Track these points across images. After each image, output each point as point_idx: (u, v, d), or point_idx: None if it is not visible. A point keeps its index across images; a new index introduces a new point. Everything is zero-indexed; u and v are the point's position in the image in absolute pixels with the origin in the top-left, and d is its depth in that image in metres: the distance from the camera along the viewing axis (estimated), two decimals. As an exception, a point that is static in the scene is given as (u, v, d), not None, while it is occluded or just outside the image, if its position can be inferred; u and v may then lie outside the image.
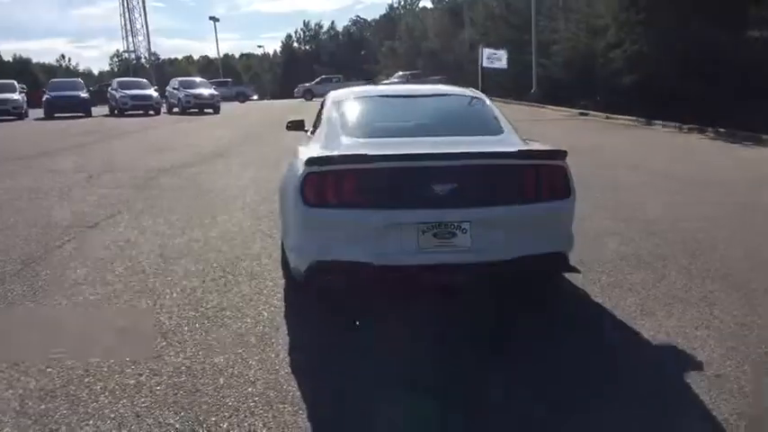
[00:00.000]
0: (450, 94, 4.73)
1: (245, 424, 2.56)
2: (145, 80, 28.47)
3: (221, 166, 10.22)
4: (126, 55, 69.55)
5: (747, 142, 12.59)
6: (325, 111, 4.38)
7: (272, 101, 49.43)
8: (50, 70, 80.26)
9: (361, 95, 4.56)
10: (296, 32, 71.73)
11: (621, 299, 3.87)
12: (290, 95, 45.03)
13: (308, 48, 70.08)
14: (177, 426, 2.55)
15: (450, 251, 3.27)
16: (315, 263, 3.35)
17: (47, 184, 8.33)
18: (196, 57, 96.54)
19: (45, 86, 27.03)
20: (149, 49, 77.15)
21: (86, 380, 2.92)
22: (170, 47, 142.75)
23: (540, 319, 3.65)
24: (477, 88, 24.16)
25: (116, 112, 23.99)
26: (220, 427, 2.55)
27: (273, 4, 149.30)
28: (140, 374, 2.97)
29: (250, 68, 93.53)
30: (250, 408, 2.69)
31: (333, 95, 4.61)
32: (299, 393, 2.81)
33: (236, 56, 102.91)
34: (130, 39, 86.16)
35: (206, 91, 25.92)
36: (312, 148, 3.83)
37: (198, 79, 29.20)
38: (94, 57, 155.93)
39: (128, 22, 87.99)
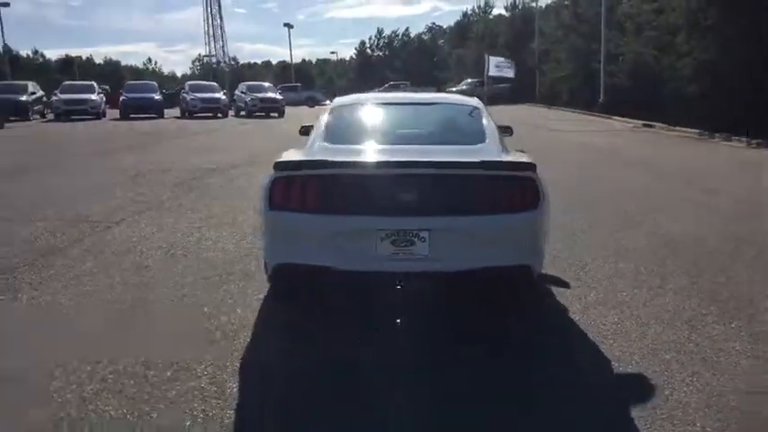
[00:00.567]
0: (444, 103, 4.73)
1: (173, 414, 2.68)
2: (215, 84, 29.67)
3: (265, 168, 10.50)
4: (206, 59, 72.65)
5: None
6: (321, 116, 4.47)
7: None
8: (137, 73, 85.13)
9: (358, 102, 4.63)
10: (370, 39, 72.76)
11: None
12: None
13: (381, 54, 70.85)
14: (111, 412, 2.70)
15: (407, 259, 3.27)
16: (278, 265, 3.45)
17: (93, 182, 8.88)
18: (275, 62, 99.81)
19: (126, 89, 28.71)
20: (228, 54, 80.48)
21: (47, 366, 3.13)
22: (251, 52, 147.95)
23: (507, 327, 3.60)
24: (536, 97, 23.91)
25: (186, 113, 25.14)
26: (151, 416, 2.67)
27: (352, 11, 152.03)
28: (98, 362, 3.14)
29: (325, 74, 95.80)
30: (186, 400, 2.80)
31: (336, 101, 4.74)
32: (236, 391, 2.89)
33: (313, 61, 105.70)
34: (212, 44, 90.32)
35: (271, 95, 26.79)
36: (292, 153, 3.93)
37: (265, 84, 30.24)
38: (180, 60, 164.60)
39: (210, 27, 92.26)
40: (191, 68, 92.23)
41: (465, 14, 63.09)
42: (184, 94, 25.97)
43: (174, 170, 9.94)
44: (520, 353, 3.33)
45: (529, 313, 3.90)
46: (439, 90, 42.68)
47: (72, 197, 7.79)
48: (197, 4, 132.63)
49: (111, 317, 3.83)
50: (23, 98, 23.28)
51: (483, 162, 3.31)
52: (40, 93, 25.65)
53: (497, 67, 15.02)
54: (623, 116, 21.48)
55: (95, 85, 26.28)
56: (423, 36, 71.86)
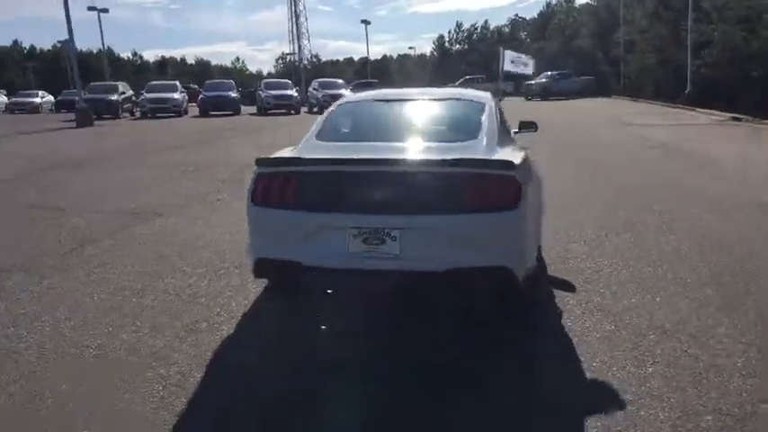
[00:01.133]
0: (448, 99, 4.60)
1: (134, 397, 2.81)
2: (289, 81, 30.47)
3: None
4: (288, 57, 74.66)
5: None
6: (324, 113, 4.49)
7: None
8: (226, 72, 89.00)
9: (360, 99, 4.62)
10: (449, 33, 72.14)
11: None
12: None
13: (459, 48, 70.07)
14: (83, 388, 2.87)
15: (378, 257, 3.22)
16: (258, 259, 3.50)
17: (150, 176, 9.37)
18: (356, 58, 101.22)
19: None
20: (310, 51, 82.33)
21: (48, 346, 3.35)
22: (334, 49, 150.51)
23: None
24: (620, 89, 22.70)
25: (262, 110, 25.99)
26: (113, 396, 2.81)
27: (434, 5, 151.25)
28: (99, 344, 3.35)
29: (404, 69, 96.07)
30: (152, 387, 2.91)
31: (343, 98, 4.74)
32: (199, 380, 2.98)
33: (394, 57, 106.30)
34: (295, 42, 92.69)
35: (342, 91, 27.16)
36: (285, 150, 3.97)
37: (338, 81, 30.71)
38: (267, 59, 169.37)
39: (293, 26, 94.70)
40: (274, 66, 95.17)
41: (548, 5, 61.23)
42: (260, 92, 26.88)
43: (227, 165, 10.31)
44: (485, 359, 3.18)
45: (515, 317, 3.73)
46: (517, 84, 41.81)
47: (126, 190, 8.28)
48: (285, 2, 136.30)
49: (114, 304, 4.03)
50: (114, 98, 24.97)
51: (456, 160, 3.20)
52: (130, 92, 27.41)
53: (513, 62, 14.25)
54: (711, 108, 20.11)
55: (178, 84, 27.80)
56: (504, 28, 70.33)
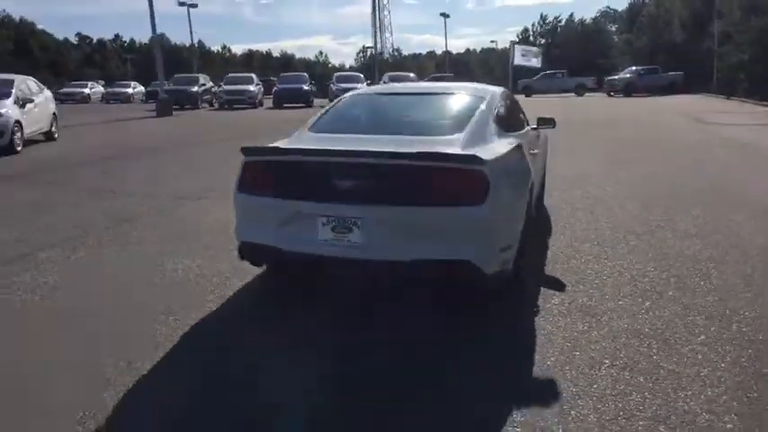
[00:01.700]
0: (448, 93, 4.62)
1: (90, 364, 3.07)
2: (360, 75, 30.89)
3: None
4: (369, 51, 75.42)
5: None
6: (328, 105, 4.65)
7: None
8: (309, 65, 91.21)
9: (363, 93, 4.74)
10: (532, 26, 70.34)
11: None
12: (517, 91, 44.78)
13: (542, 41, 68.14)
14: (57, 359, 3.17)
15: (343, 246, 3.33)
16: (242, 243, 3.71)
17: (204, 163, 9.90)
18: (439, 52, 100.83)
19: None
20: (393, 45, 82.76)
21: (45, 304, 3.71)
22: (418, 42, 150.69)
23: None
24: (713, 85, 21.44)
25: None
26: (68, 360, 3.10)
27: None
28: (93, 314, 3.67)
29: (487, 63, 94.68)
30: (112, 354, 3.17)
31: (349, 92, 4.88)
32: (159, 359, 3.21)
33: (477, 50, 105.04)
34: (378, 35, 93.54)
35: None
36: (281, 140, 4.14)
37: (410, 74, 30.88)
38: (351, 52, 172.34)
39: (377, 19, 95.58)
40: (355, 60, 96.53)
41: (640, -5, 58.23)
42: (331, 85, 27.45)
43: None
44: (440, 348, 3.22)
45: (486, 312, 3.72)
46: (599, 80, 40.16)
47: (177, 176, 8.81)
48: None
49: (126, 279, 4.37)
50: (194, 89, 26.33)
51: (420, 153, 3.24)
52: (210, 84, 28.78)
53: (523, 56, 13.77)
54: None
55: (254, 77, 28.87)
56: (593, 20, 67.60)
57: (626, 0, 54.31)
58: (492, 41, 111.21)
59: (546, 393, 2.75)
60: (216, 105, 27.53)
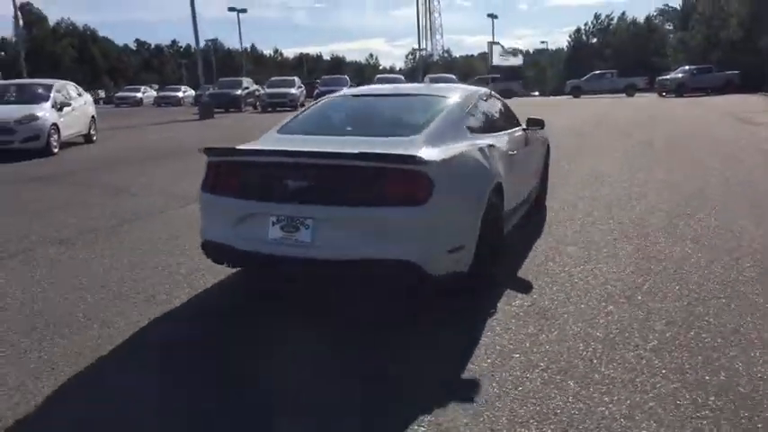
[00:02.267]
0: (418, 95, 4.64)
1: (47, 342, 3.25)
2: (401, 77, 31.02)
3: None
4: (418, 53, 75.48)
5: None
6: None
7: (543, 97, 48.69)
8: (359, 68, 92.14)
9: (340, 95, 4.81)
10: (585, 25, 68.70)
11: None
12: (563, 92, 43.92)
13: (595, 41, 66.52)
14: (19, 340, 3.37)
15: (292, 245, 3.40)
16: (204, 241, 3.83)
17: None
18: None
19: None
20: (443, 47, 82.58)
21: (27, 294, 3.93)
22: (471, 44, 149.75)
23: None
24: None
25: None
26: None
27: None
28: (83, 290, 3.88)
29: (538, 64, 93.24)
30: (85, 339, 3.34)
31: (331, 95, 4.97)
32: (119, 344, 3.36)
33: (530, 51, 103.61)
34: (428, 37, 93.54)
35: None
36: (251, 142, 4.26)
37: (451, 76, 30.75)
38: (402, 54, 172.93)
39: (427, 21, 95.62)
40: (404, 62, 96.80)
41: (696, -8, 55.99)
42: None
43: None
44: (379, 343, 3.25)
45: (443, 314, 3.70)
46: (650, 79, 38.87)
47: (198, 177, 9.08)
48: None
49: (103, 274, 4.58)
50: (238, 92, 27.06)
51: (362, 154, 3.27)
52: (254, 87, 29.50)
53: (502, 56, 13.18)
54: None
55: (296, 80, 29.43)
56: (647, 19, 65.47)
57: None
58: (542, 42, 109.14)
59: (467, 394, 2.74)
60: (259, 108, 28.18)
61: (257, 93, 29.30)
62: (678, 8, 56.03)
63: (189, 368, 3.08)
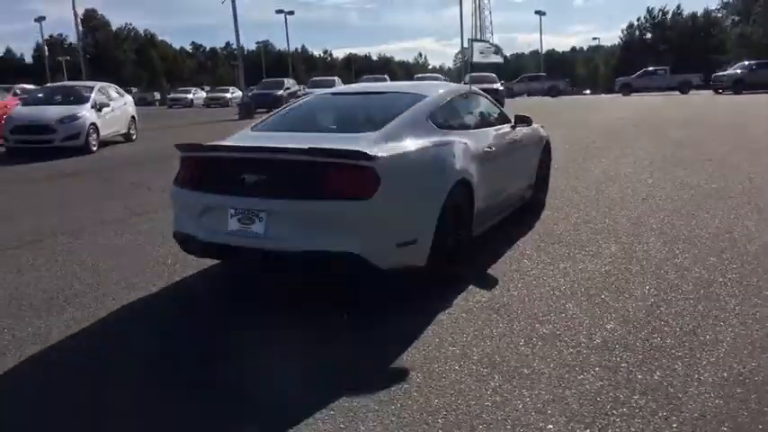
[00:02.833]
0: (390, 92, 4.72)
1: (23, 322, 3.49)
2: (440, 75, 30.95)
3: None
4: (462, 53, 74.82)
5: None
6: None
7: (592, 96, 47.58)
8: (407, 67, 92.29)
9: (319, 94, 4.94)
10: (638, 21, 66.52)
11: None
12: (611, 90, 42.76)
13: (649, 37, 64.37)
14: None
15: (247, 236, 3.52)
16: (174, 231, 4.02)
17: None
18: (543, 51, 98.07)
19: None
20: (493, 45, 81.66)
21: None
22: (525, 41, 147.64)
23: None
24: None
25: None
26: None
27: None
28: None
29: (592, 61, 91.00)
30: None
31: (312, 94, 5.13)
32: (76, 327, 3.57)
33: (585, 48, 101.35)
34: (478, 36, 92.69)
35: (488, 86, 27.01)
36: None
37: (491, 75, 30.35)
38: (453, 53, 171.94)
39: (476, 19, 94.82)
40: (453, 62, 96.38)
41: (761, -15, 53.34)
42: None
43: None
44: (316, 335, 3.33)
45: (397, 306, 3.74)
46: (708, 76, 37.31)
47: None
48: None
49: (93, 261, 4.84)
50: (279, 92, 27.65)
51: (311, 149, 3.37)
52: (296, 87, 30.07)
53: (482, 53, 12.42)
54: None
55: (337, 80, 29.91)
56: (705, 13, 62.85)
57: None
58: (594, 38, 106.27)
59: (388, 384, 2.79)
60: (301, 108, 28.72)
61: (299, 93, 29.81)
62: (739, 0, 53.68)
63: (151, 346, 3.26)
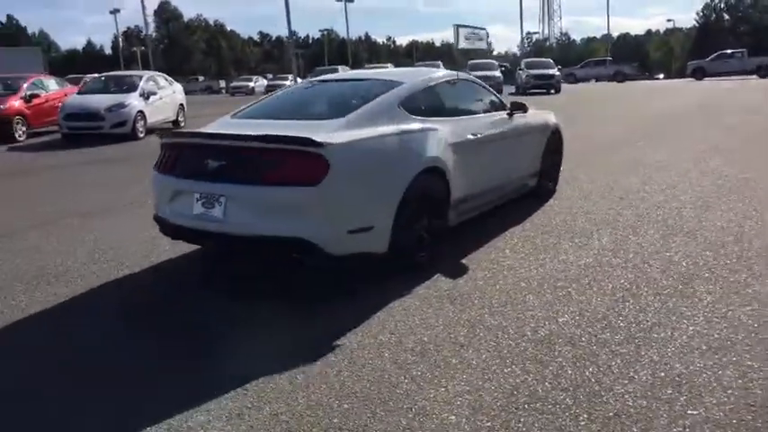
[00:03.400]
0: (368, 80, 4.72)
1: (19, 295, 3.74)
2: (550, 61, 29.75)
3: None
4: (533, 37, 73.10)
5: None
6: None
7: (664, 81, 45.42)
8: (471, 53, 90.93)
9: (305, 81, 4.97)
10: (714, 1, 62.62)
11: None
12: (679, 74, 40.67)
13: (727, 18, 60.59)
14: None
15: (209, 220, 3.63)
16: (154, 215, 4.19)
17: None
18: (615, 34, 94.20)
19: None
20: (560, 30, 79.20)
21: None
22: (595, 26, 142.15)
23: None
24: None
25: (520, 90, 25.95)
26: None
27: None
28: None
29: (666, 45, 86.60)
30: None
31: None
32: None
33: (661, 31, 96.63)
34: (545, 20, 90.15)
35: (545, 71, 26.25)
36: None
37: (548, 60, 29.50)
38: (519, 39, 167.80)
39: (544, 3, 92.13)
40: (518, 47, 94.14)
41: None
42: (519, 72, 27.27)
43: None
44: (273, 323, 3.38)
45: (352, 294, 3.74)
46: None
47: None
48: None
49: (63, 249, 5.10)
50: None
51: (263, 136, 3.42)
52: (348, 75, 30.30)
53: (467, 39, 11.39)
54: None
55: (390, 66, 29.66)
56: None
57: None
58: (669, 20, 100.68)
59: (311, 367, 2.82)
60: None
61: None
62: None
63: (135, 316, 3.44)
